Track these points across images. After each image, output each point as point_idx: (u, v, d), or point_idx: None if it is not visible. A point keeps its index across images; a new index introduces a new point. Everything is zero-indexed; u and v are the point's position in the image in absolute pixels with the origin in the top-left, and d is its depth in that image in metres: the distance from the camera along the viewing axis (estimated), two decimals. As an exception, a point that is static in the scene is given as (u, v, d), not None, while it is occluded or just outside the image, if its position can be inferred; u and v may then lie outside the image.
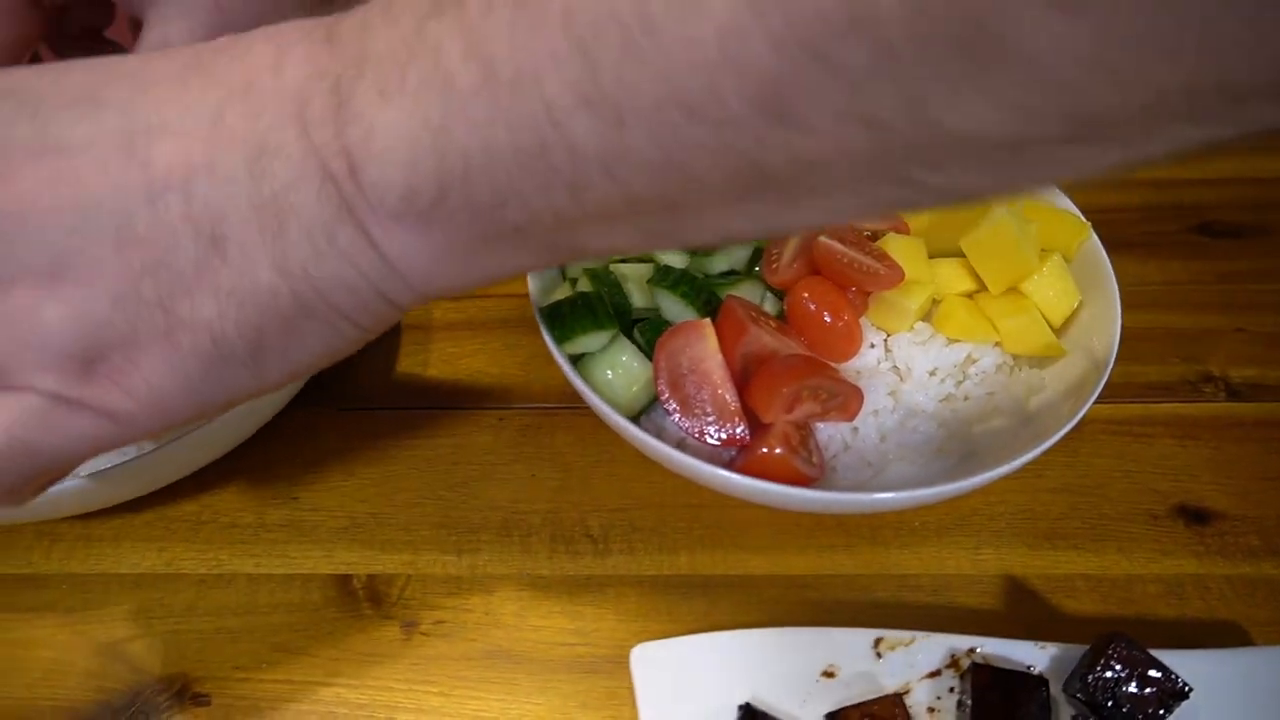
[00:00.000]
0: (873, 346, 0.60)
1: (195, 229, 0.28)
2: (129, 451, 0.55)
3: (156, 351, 0.30)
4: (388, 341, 0.68)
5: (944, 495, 0.51)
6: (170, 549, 0.58)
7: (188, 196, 0.28)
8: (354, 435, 0.63)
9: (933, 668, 0.49)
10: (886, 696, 0.47)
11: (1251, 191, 0.76)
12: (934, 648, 0.50)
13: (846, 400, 0.55)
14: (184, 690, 0.52)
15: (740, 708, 0.47)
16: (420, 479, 0.61)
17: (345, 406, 0.65)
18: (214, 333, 0.29)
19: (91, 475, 0.50)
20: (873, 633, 0.50)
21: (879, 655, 0.50)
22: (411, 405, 0.64)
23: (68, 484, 0.49)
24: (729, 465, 0.53)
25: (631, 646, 0.52)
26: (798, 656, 0.50)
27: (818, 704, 0.48)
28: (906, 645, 0.50)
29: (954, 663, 0.49)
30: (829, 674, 0.49)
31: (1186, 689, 0.45)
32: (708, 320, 0.55)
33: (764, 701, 0.48)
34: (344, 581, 0.56)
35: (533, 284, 0.59)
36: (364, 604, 0.55)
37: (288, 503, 0.60)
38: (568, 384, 0.57)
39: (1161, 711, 0.45)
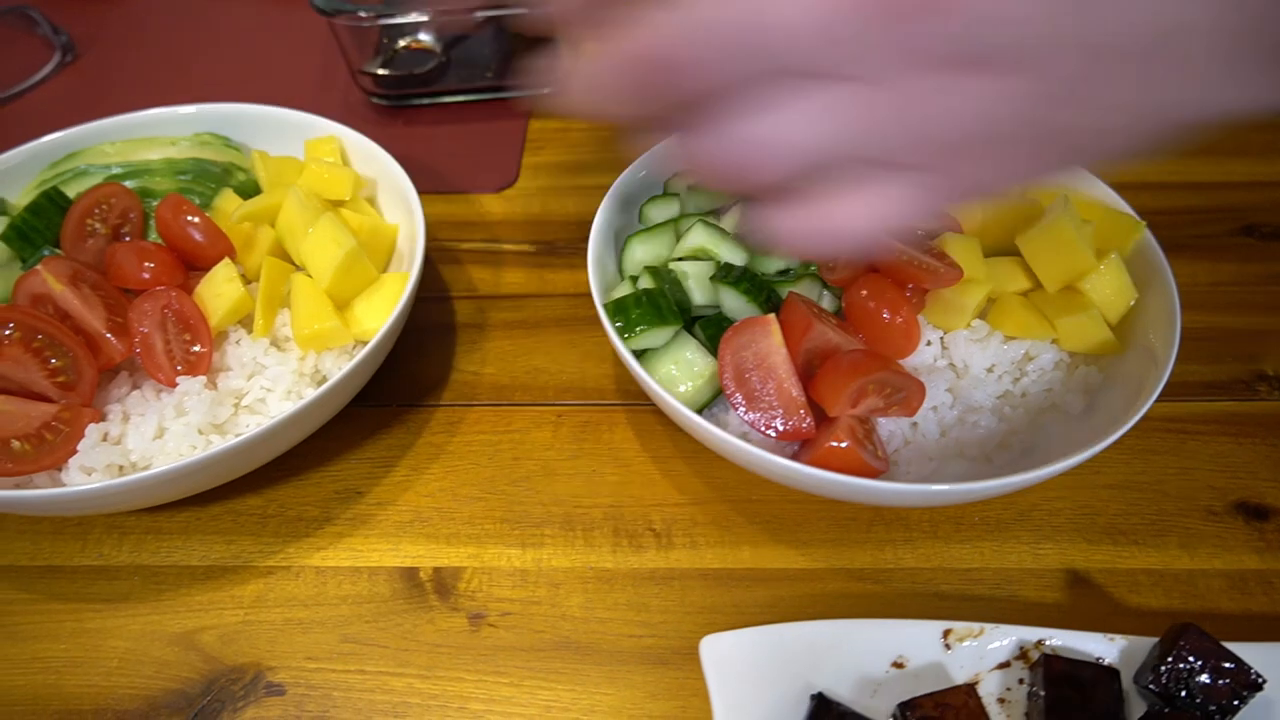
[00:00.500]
0: (929, 344, 0.61)
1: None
2: (197, 448, 0.56)
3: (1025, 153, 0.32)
4: (445, 340, 0.69)
5: (1008, 488, 0.51)
6: (238, 542, 0.58)
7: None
8: (414, 432, 0.64)
9: (1002, 659, 0.50)
10: (959, 687, 0.47)
11: (1296, 194, 0.77)
12: (1003, 639, 0.50)
13: (909, 395, 0.55)
14: (258, 680, 0.52)
15: (812, 698, 0.48)
16: (482, 474, 0.61)
17: (405, 404, 0.65)
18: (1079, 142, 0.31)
19: (149, 475, 0.51)
20: (942, 624, 0.50)
21: (948, 647, 0.50)
22: (470, 402, 0.65)
23: (138, 477, 0.50)
24: (794, 459, 0.53)
25: (699, 638, 0.53)
26: (867, 648, 0.50)
27: (888, 695, 0.49)
28: (976, 637, 0.50)
29: (1023, 654, 0.50)
30: (899, 665, 0.50)
31: (1261, 680, 0.46)
32: (773, 316, 0.56)
33: (835, 692, 0.48)
34: (410, 574, 0.57)
35: (594, 283, 0.59)
36: (431, 596, 0.56)
37: (351, 497, 0.60)
38: (624, 381, 0.57)
39: (1235, 702, 0.46)
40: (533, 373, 0.67)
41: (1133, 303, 0.61)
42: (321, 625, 0.55)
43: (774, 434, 0.54)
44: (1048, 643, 0.50)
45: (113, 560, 0.58)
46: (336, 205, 0.69)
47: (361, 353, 0.57)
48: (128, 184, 0.68)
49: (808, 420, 0.54)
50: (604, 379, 0.66)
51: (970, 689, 0.48)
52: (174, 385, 0.59)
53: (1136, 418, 0.52)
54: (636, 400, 0.65)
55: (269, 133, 0.74)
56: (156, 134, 0.72)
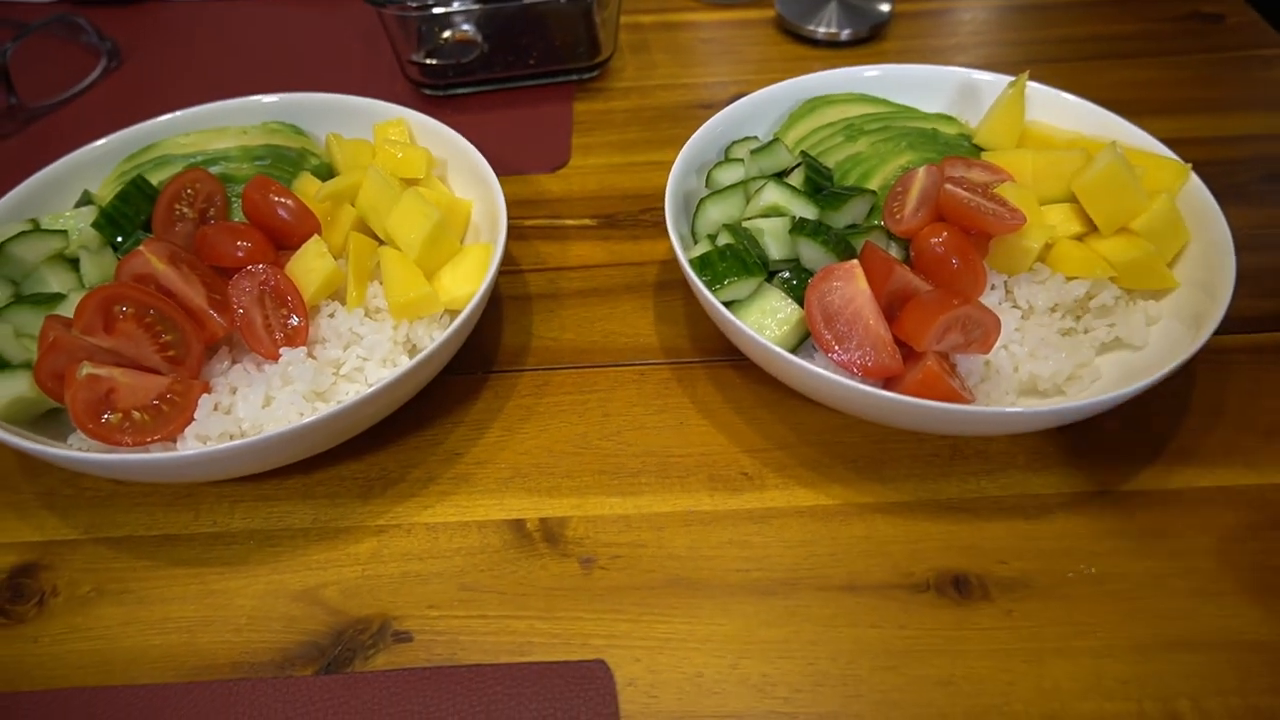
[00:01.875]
0: (994, 288, 0.64)
1: None
2: (304, 414, 0.58)
3: None
4: (522, 310, 0.72)
5: (1083, 412, 0.54)
6: (345, 504, 0.60)
7: None
8: (504, 396, 0.66)
9: None
10: None
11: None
12: None
13: (987, 331, 0.58)
14: (384, 629, 0.54)
15: None
16: (574, 430, 0.64)
17: (492, 370, 0.68)
18: None
19: (265, 437, 0.53)
20: None
21: None
22: (554, 366, 0.68)
23: (244, 443, 0.52)
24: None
25: (801, 569, 0.56)
26: None
27: None
28: None
29: None
30: None
31: None
32: (856, 261, 0.59)
33: None
34: (518, 525, 0.59)
35: (676, 242, 0.62)
36: (540, 544, 0.58)
37: (450, 458, 0.63)
38: (700, 339, 0.60)
39: None
40: (610, 336, 0.70)
41: (1187, 241, 0.64)
42: (439, 576, 0.57)
43: (864, 371, 0.57)
44: None
45: (227, 527, 0.60)
46: (411, 183, 0.71)
47: (458, 319, 0.59)
48: (209, 170, 0.70)
49: (897, 355, 0.56)
50: (679, 338, 0.69)
51: None
52: (276, 358, 0.61)
53: (1197, 347, 0.55)
54: (714, 356, 0.67)
55: (333, 119, 0.76)
56: (228, 124, 0.75)
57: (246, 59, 0.99)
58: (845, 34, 0.97)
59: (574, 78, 0.93)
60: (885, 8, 0.98)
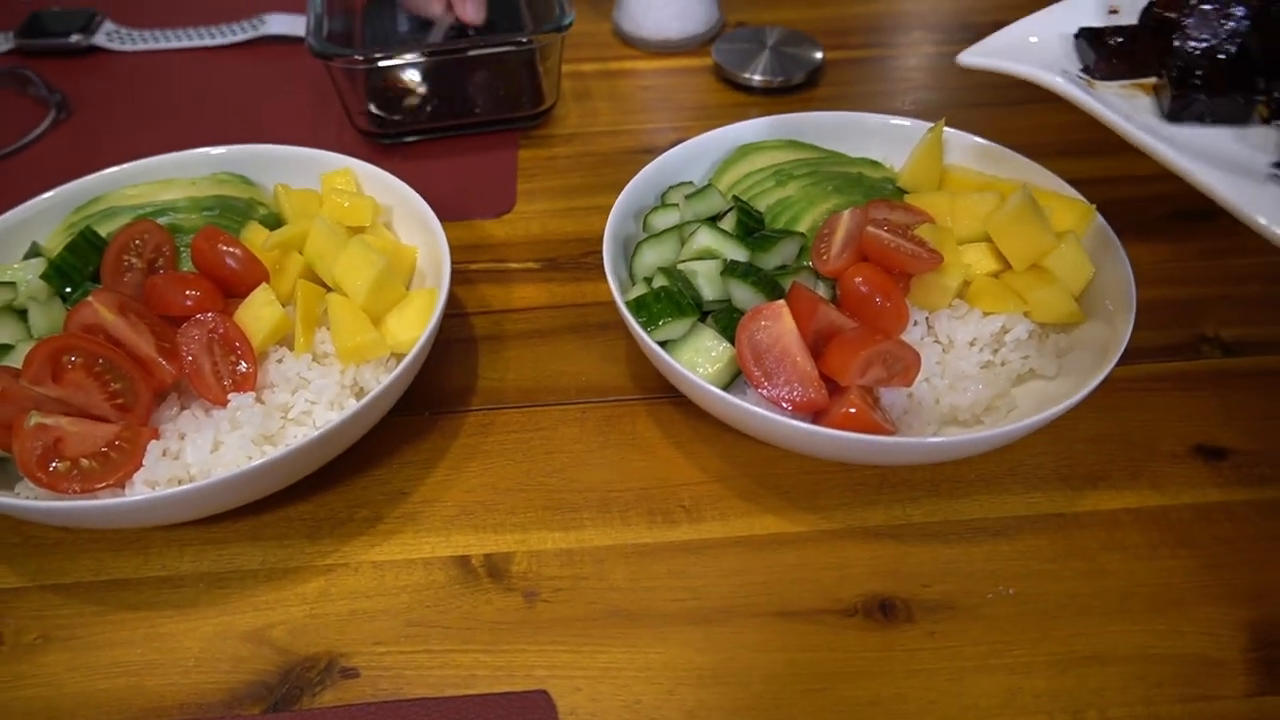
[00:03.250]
0: (916, 324, 0.67)
1: None
2: (253, 458, 0.60)
3: None
4: (468, 352, 0.74)
5: (997, 440, 0.57)
6: (293, 545, 0.62)
7: None
8: (450, 436, 0.68)
9: None
10: None
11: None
12: None
13: (908, 366, 0.62)
14: (332, 666, 0.56)
15: None
16: (519, 469, 0.66)
17: (438, 411, 0.70)
18: None
19: (214, 480, 0.54)
20: None
21: None
22: (499, 405, 0.70)
23: (201, 485, 0.54)
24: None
25: (736, 598, 0.58)
26: None
27: None
28: None
29: None
30: None
31: None
32: (783, 301, 0.62)
33: None
34: (463, 561, 0.61)
35: (614, 284, 0.65)
36: (485, 579, 0.60)
37: (397, 497, 0.64)
38: (640, 377, 0.62)
39: None
40: (553, 375, 0.72)
41: (1091, 276, 0.68)
42: (385, 613, 0.58)
43: (792, 405, 0.59)
44: None
45: (176, 570, 0.61)
46: (357, 231, 0.73)
47: (403, 363, 0.62)
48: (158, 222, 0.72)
49: (822, 391, 0.59)
50: (621, 377, 0.72)
51: None
52: (224, 403, 0.62)
53: (1103, 375, 0.59)
54: (654, 393, 0.70)
55: (282, 170, 0.78)
56: (176, 175, 0.76)
57: (197, 110, 1.00)
58: (779, 81, 1.01)
59: (519, 125, 0.96)
60: (818, 55, 1.03)
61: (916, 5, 1.16)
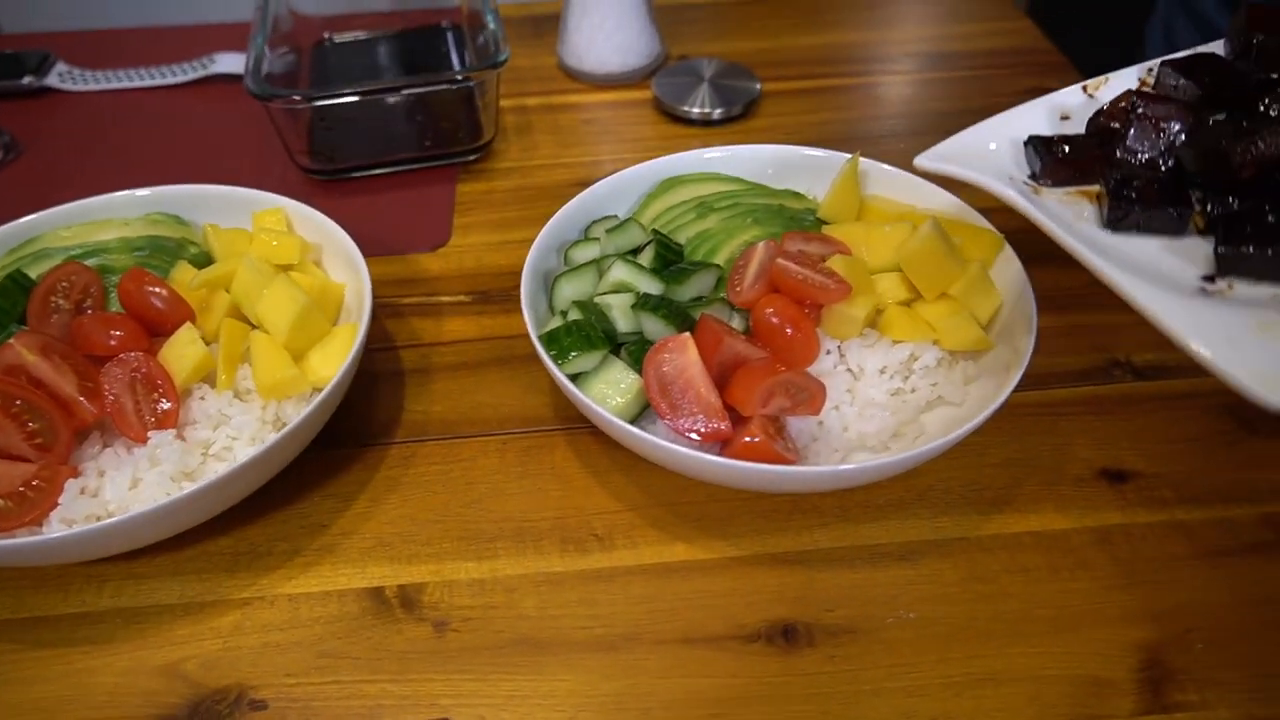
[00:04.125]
0: (828, 353, 0.69)
1: None
2: (171, 494, 0.61)
3: None
4: (395, 385, 0.75)
5: (902, 465, 0.59)
6: (212, 579, 0.63)
7: None
8: (372, 468, 0.69)
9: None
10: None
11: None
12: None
13: (812, 396, 0.63)
14: (240, 698, 0.57)
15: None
16: (437, 500, 0.67)
17: (362, 444, 0.71)
18: None
19: (126, 517, 0.55)
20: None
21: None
22: (422, 438, 0.71)
23: (113, 522, 0.55)
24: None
25: (642, 624, 0.59)
26: None
27: None
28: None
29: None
30: None
31: None
32: (688, 334, 0.63)
33: None
34: (377, 593, 0.62)
35: (528, 318, 0.66)
36: (398, 610, 0.61)
37: (317, 530, 0.66)
38: (561, 408, 0.64)
39: None
40: (477, 407, 0.73)
41: (999, 305, 0.70)
42: (297, 645, 0.59)
43: (696, 436, 0.61)
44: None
45: (94, 606, 0.62)
46: (286, 269, 0.75)
47: (319, 396, 0.63)
48: (88, 263, 0.73)
49: (725, 422, 0.61)
50: (543, 408, 0.73)
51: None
52: (145, 441, 0.64)
53: (1002, 398, 0.60)
54: (574, 424, 0.71)
55: (217, 209, 0.80)
56: (110, 216, 0.78)
57: (145, 149, 1.02)
58: (718, 113, 1.03)
59: (459, 160, 0.98)
60: (756, 87, 1.05)
61: (852, 37, 1.18)
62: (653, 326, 0.66)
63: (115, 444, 0.65)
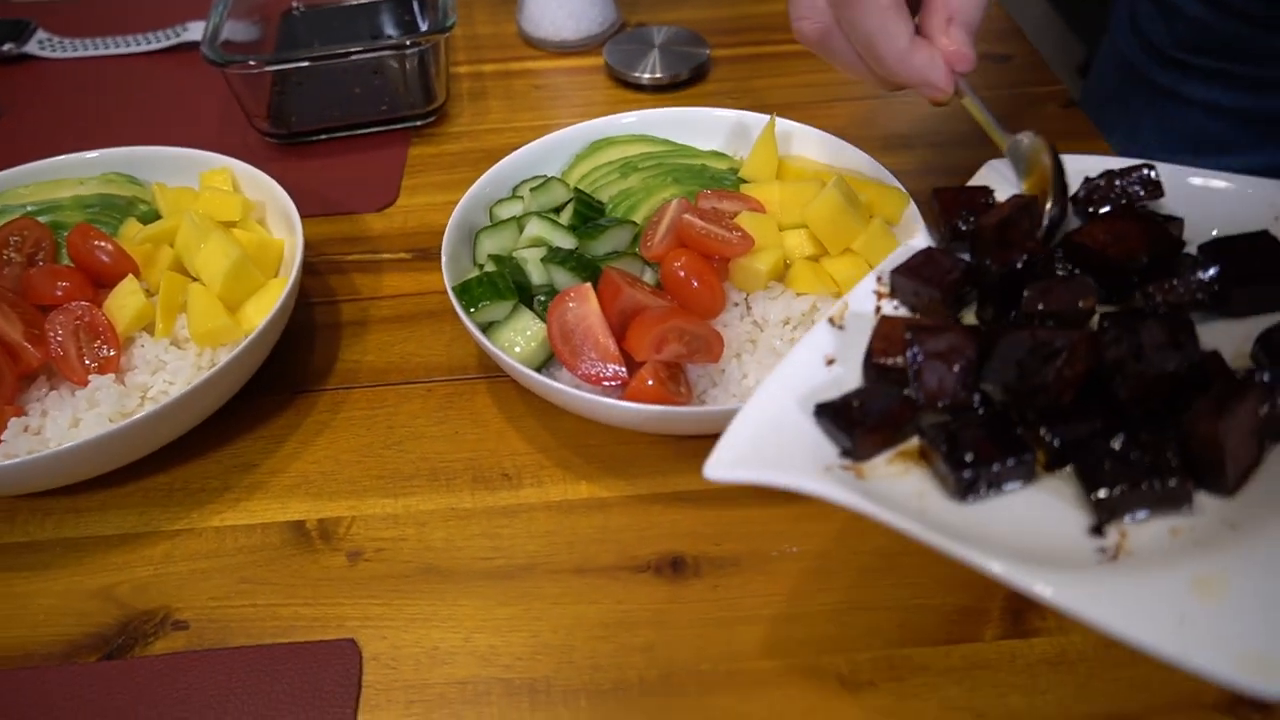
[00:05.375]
0: (735, 304, 0.72)
1: None
2: (104, 425, 0.65)
3: None
4: (332, 337, 0.79)
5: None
6: (148, 513, 0.67)
7: None
8: (304, 413, 0.74)
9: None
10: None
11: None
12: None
13: (709, 343, 0.66)
14: (166, 619, 0.61)
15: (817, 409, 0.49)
16: (360, 442, 0.71)
17: (296, 391, 0.75)
18: None
19: (70, 447, 0.60)
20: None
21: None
22: (352, 385, 0.75)
23: (50, 453, 0.60)
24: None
25: (540, 557, 0.63)
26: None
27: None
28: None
29: None
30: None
31: None
32: (589, 284, 0.67)
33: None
34: (298, 526, 0.66)
35: (445, 271, 0.70)
36: (316, 541, 0.65)
37: (248, 469, 0.70)
38: (484, 358, 0.67)
39: None
40: (406, 357, 0.77)
41: (899, 258, 0.73)
42: (221, 572, 0.64)
43: (596, 380, 0.64)
44: None
45: (37, 536, 0.66)
46: (229, 226, 0.79)
47: (246, 340, 0.67)
48: (41, 219, 0.78)
49: (620, 366, 0.64)
50: (469, 357, 0.77)
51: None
52: (85, 383, 0.68)
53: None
54: (494, 372, 0.75)
55: (169, 170, 0.84)
56: (67, 176, 0.82)
57: (119, 114, 1.06)
58: (668, 78, 1.05)
59: (412, 124, 1.01)
60: (705, 52, 1.07)
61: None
62: (562, 278, 0.70)
63: (60, 387, 0.69)
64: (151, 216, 0.81)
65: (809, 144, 0.82)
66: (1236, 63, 0.94)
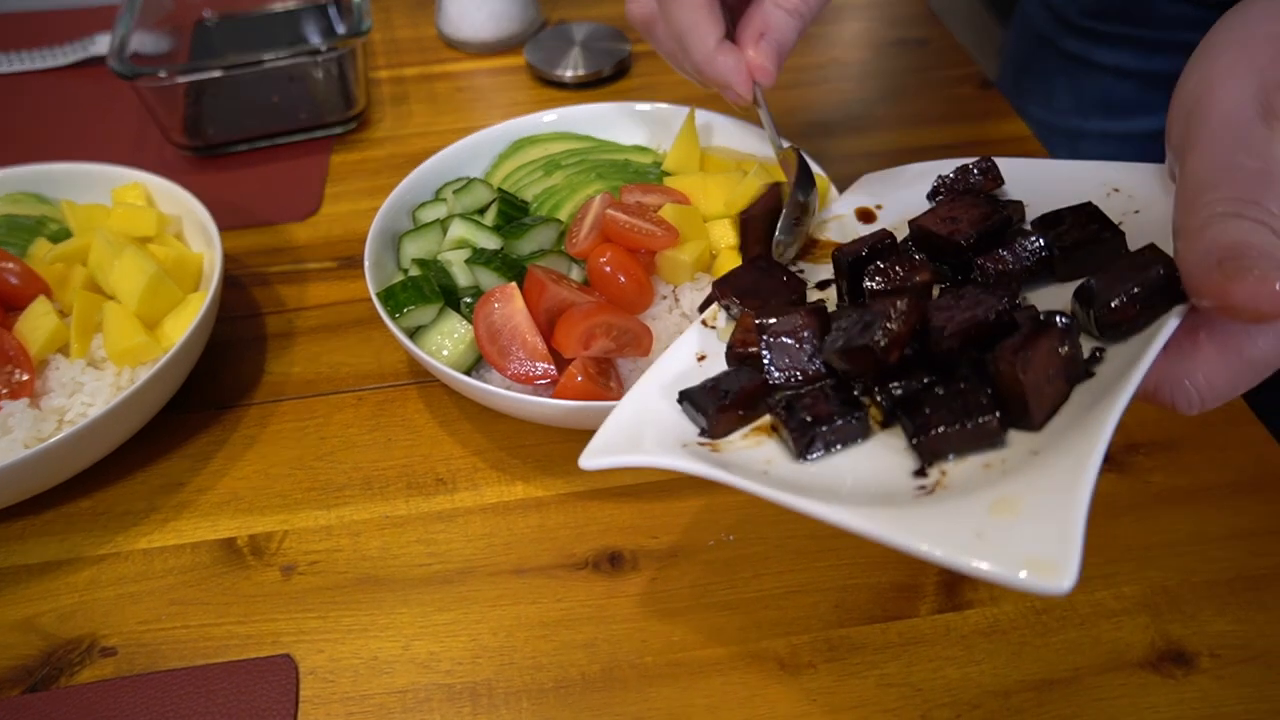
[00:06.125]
0: (664, 297, 0.72)
1: None
2: (18, 452, 0.63)
3: None
4: (256, 350, 0.78)
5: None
6: (71, 539, 0.66)
7: None
8: (232, 428, 0.72)
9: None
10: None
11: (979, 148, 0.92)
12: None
13: (637, 337, 0.66)
14: (92, 647, 0.60)
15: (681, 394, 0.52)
16: (291, 454, 0.70)
17: (222, 407, 0.74)
18: None
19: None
20: None
21: None
22: (280, 398, 0.74)
23: None
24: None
25: (477, 560, 0.63)
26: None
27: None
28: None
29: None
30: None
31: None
32: (514, 284, 0.66)
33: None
34: (229, 543, 0.65)
35: (369, 277, 0.69)
36: (248, 558, 0.64)
37: (174, 488, 0.68)
38: (415, 363, 0.67)
39: None
40: (335, 366, 0.76)
41: (823, 244, 0.73)
42: (149, 595, 0.62)
43: (526, 380, 0.64)
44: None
45: (-45, 569, 0.64)
46: (145, 242, 0.77)
47: (164, 358, 0.65)
48: (-54, 243, 0.75)
49: (548, 365, 0.64)
50: (399, 363, 0.76)
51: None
52: (-2, 410, 0.66)
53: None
54: (425, 377, 0.75)
55: (79, 187, 0.82)
56: (-30, 197, 0.80)
57: (25, 131, 1.03)
58: (590, 74, 1.05)
59: (334, 131, 1.00)
60: (625, 48, 1.08)
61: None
62: (487, 279, 0.70)
63: (-27, 415, 0.67)
64: (62, 235, 0.78)
65: (730, 134, 0.83)
66: (1138, 27, 0.98)
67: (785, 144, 0.70)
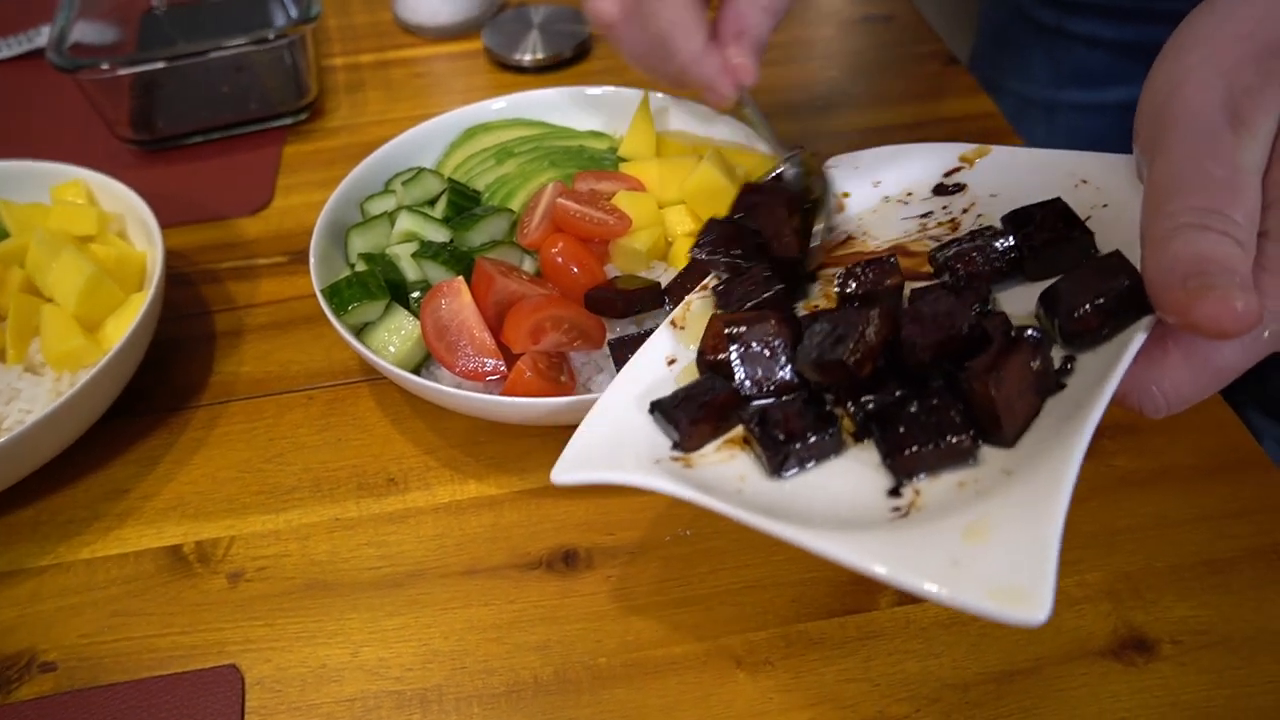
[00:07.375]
0: (619, 288, 0.71)
1: None
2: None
3: None
4: (204, 350, 0.76)
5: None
6: (11, 550, 0.64)
7: None
8: (178, 431, 0.70)
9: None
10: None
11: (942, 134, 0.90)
12: None
13: (590, 330, 0.65)
14: (31, 662, 0.58)
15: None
16: (239, 457, 0.68)
17: (169, 409, 0.72)
18: None
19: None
20: None
21: None
22: (228, 399, 0.72)
23: None
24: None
25: (429, 562, 0.61)
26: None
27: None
28: None
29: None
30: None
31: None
32: (461, 278, 0.65)
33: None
34: (174, 551, 0.63)
35: (314, 275, 0.67)
36: (195, 565, 0.62)
37: (118, 495, 0.67)
38: (365, 360, 0.65)
39: None
40: (285, 365, 0.74)
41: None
42: (92, 607, 0.61)
43: (474, 376, 0.63)
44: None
45: (-109, 584, 0.62)
46: (86, 241, 0.75)
47: (101, 362, 0.63)
48: (-123, 247, 0.73)
49: (500, 361, 0.63)
50: (350, 361, 0.74)
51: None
52: (-67, 419, 0.64)
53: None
54: (377, 375, 0.73)
55: (16, 185, 0.79)
56: (-98, 198, 0.77)
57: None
58: (549, 58, 1.03)
59: (286, 121, 0.98)
60: (585, 30, 1.05)
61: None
62: (435, 273, 0.68)
63: (-94, 425, 0.65)
64: (1, 236, 0.76)
65: (685, 118, 0.81)
66: None
67: (798, 153, 0.65)
